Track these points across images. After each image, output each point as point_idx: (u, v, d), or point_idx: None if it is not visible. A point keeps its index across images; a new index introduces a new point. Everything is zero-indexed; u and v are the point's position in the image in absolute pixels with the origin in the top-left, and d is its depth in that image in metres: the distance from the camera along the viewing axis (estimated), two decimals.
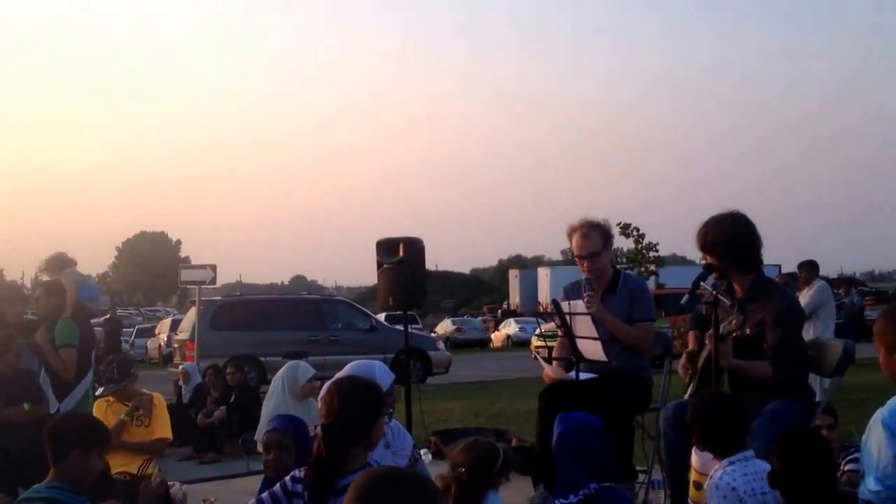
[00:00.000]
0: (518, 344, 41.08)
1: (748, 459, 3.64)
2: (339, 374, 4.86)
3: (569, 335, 5.29)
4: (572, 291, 6.19)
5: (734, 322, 4.85)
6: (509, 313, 58.12)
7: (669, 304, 21.92)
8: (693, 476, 3.86)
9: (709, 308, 4.65)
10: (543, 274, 61.32)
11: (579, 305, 5.35)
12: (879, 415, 2.89)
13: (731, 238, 5.12)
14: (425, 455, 8.01)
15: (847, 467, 5.81)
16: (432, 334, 40.21)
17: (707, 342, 4.90)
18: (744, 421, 3.85)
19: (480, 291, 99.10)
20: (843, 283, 25.31)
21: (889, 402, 2.96)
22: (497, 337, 46.42)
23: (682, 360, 5.22)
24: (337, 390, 3.41)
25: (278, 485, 3.39)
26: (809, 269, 11.42)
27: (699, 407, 3.83)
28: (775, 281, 6.06)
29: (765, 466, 3.58)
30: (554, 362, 5.89)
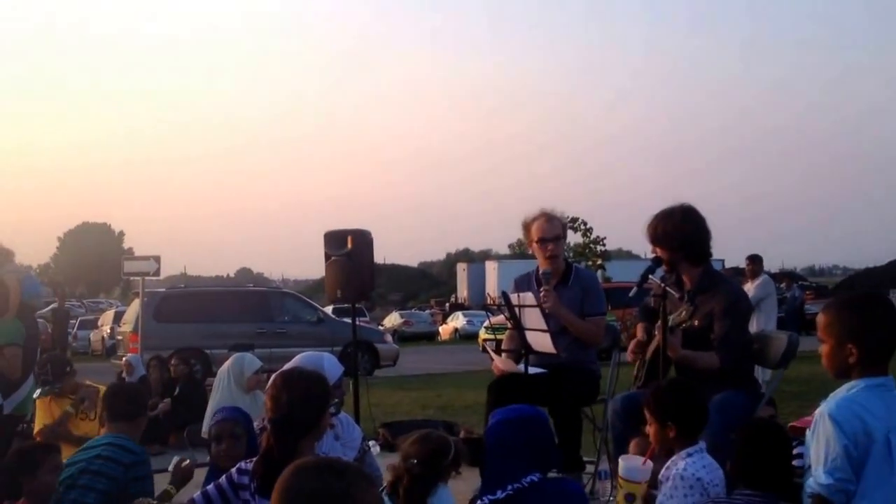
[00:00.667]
0: (465, 337, 41.16)
1: (703, 451, 3.66)
2: (286, 366, 4.83)
3: (518, 327, 5.30)
4: (523, 283, 6.23)
5: (683, 314, 4.88)
6: (457, 307, 58.22)
7: (616, 298, 22.08)
8: (624, 487, 3.62)
9: (657, 301, 4.67)
10: (491, 267, 61.42)
11: (528, 297, 5.36)
12: (826, 408, 2.91)
13: (682, 230, 5.15)
14: (374, 447, 8.01)
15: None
16: (380, 327, 40.18)
17: (656, 334, 4.94)
18: (704, 409, 3.84)
19: (428, 285, 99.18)
20: (785, 277, 25.68)
21: (833, 394, 2.99)
22: (445, 330, 46.50)
23: (631, 346, 5.24)
24: (283, 383, 3.37)
25: (224, 477, 3.35)
26: (756, 262, 11.66)
27: (662, 391, 3.80)
28: (723, 274, 6.13)
29: (712, 460, 3.62)
30: (503, 354, 5.91)
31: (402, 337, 40.39)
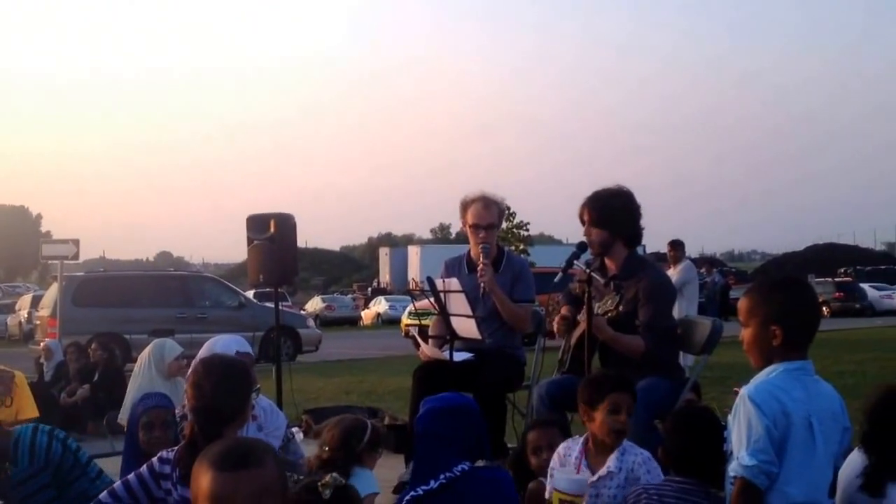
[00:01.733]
0: (388, 322, 41.11)
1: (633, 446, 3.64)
2: (201, 354, 4.77)
3: (443, 313, 5.29)
4: (454, 266, 6.21)
5: (609, 302, 4.91)
6: (379, 291, 58.13)
7: (539, 283, 22.30)
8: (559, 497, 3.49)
9: (582, 286, 4.69)
10: (414, 252, 61.52)
11: (454, 283, 5.36)
12: (746, 391, 2.95)
13: (624, 211, 5.19)
14: (297, 433, 7.96)
15: None
16: (302, 312, 39.92)
17: (580, 321, 4.98)
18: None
19: (350, 269, 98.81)
20: (706, 263, 26.11)
21: (754, 379, 3.04)
22: (367, 315, 46.40)
23: (557, 320, 5.25)
24: (205, 371, 3.32)
25: (145, 466, 3.29)
26: (677, 248, 11.87)
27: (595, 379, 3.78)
28: (648, 259, 6.19)
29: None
30: (430, 341, 5.90)
31: (324, 322, 40.22)
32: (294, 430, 7.93)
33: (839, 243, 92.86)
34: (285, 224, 8.13)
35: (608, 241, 5.16)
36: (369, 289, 62.73)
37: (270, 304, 9.07)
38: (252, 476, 1.99)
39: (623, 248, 5.21)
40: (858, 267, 60.92)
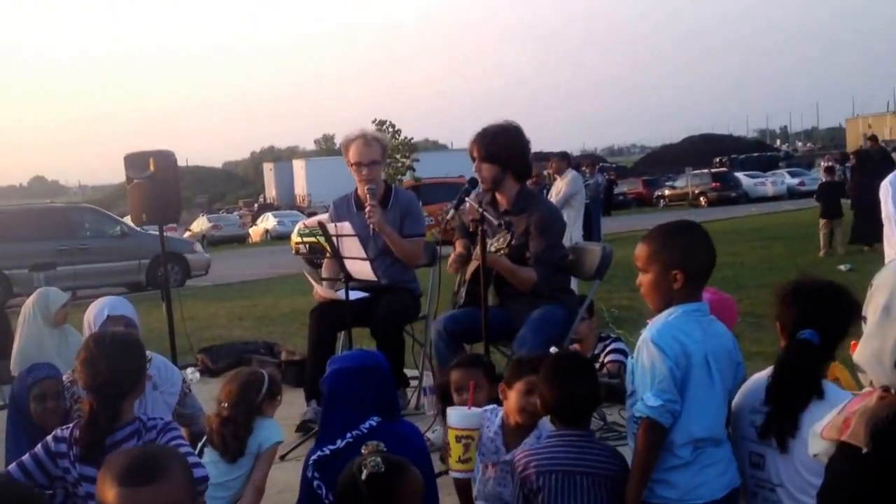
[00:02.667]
0: (277, 238, 40.80)
1: None
2: (88, 318, 4.69)
3: (336, 256, 5.29)
4: (342, 206, 6.20)
5: (501, 240, 4.96)
6: (266, 207, 57.55)
7: (428, 195, 22.33)
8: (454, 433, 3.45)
9: (475, 224, 4.70)
10: (299, 166, 60.86)
11: (346, 227, 5.34)
12: (648, 334, 3.03)
13: (515, 146, 5.25)
14: (193, 373, 7.92)
15: (607, 359, 6.16)
16: (187, 232, 39.23)
17: (474, 258, 5.03)
18: None
19: (235, 185, 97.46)
20: (588, 163, 26.46)
21: (654, 321, 3.11)
22: (255, 232, 45.94)
23: (451, 258, 5.28)
24: (98, 349, 3.25)
25: (39, 446, 3.22)
26: (561, 159, 12.06)
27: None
28: (538, 193, 6.28)
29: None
30: (323, 283, 5.91)
31: (211, 241, 39.72)
32: (189, 370, 7.93)
33: (714, 133, 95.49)
34: (165, 161, 7.92)
35: (498, 176, 5.21)
36: (255, 205, 62.06)
37: (154, 231, 8.84)
38: (157, 491, 1.99)
39: (514, 183, 5.26)
40: (733, 156, 62.74)
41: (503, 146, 5.22)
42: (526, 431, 3.61)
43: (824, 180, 18.59)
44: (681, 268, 3.06)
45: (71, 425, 3.27)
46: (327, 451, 3.37)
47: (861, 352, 2.21)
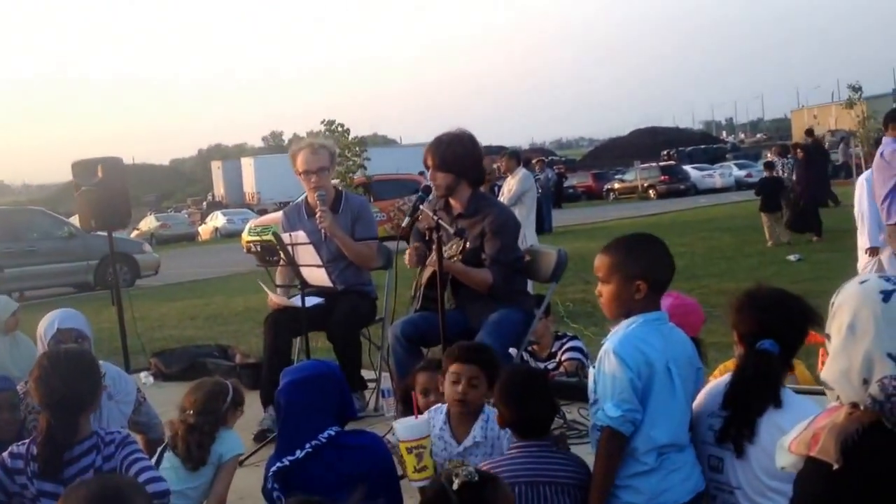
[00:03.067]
0: (227, 236, 40.53)
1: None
2: (41, 331, 4.61)
3: (292, 264, 5.28)
4: (293, 214, 6.21)
5: (455, 247, 4.98)
6: (215, 205, 57.09)
7: (379, 191, 22.33)
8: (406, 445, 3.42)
9: (430, 233, 4.71)
10: (247, 164, 60.41)
11: (301, 236, 5.33)
12: (610, 344, 3.05)
13: (471, 154, 5.32)
14: (146, 377, 7.85)
15: (564, 356, 6.19)
16: (135, 231, 38.78)
17: (429, 264, 5.05)
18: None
19: (182, 183, 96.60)
20: (538, 160, 26.64)
21: (613, 331, 3.14)
22: (205, 230, 45.58)
23: (409, 253, 5.31)
24: (52, 367, 3.20)
25: None
26: (510, 158, 12.08)
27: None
28: (490, 196, 6.33)
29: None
30: (277, 290, 5.89)
31: (160, 240, 39.38)
32: (143, 374, 7.86)
33: (660, 126, 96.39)
34: (113, 168, 7.95)
35: (453, 183, 5.27)
36: (204, 203, 61.47)
37: (102, 232, 8.77)
38: None
39: (467, 188, 5.33)
40: (680, 148, 63.34)
41: (457, 155, 5.28)
42: (471, 417, 3.64)
43: (765, 175, 19.11)
44: (644, 278, 3.10)
45: (27, 441, 3.23)
46: (286, 462, 3.37)
47: (828, 371, 2.23)
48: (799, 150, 19.36)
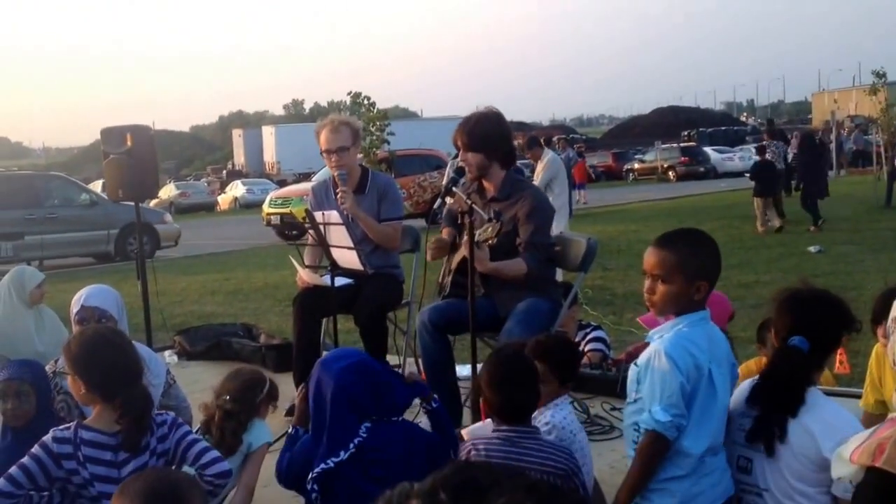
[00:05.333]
0: (246, 206, 40.53)
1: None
2: (73, 311, 4.62)
3: (323, 244, 5.25)
4: (320, 191, 6.15)
5: (489, 230, 4.96)
6: (235, 174, 57.05)
7: (401, 167, 22.20)
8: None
9: (463, 217, 4.67)
10: (268, 133, 60.29)
11: (334, 216, 5.30)
12: (663, 347, 3.00)
13: (499, 132, 5.25)
14: (171, 356, 7.88)
15: (587, 347, 6.16)
16: (155, 199, 38.77)
17: (460, 245, 5.01)
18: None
19: (202, 151, 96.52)
20: (561, 140, 26.50)
21: (657, 331, 3.11)
22: (224, 200, 45.57)
23: (431, 243, 5.24)
24: (88, 353, 3.21)
25: (38, 447, 3.18)
26: (535, 145, 11.84)
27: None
28: (524, 179, 6.25)
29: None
30: (307, 269, 5.87)
31: (179, 209, 39.39)
32: (167, 353, 7.89)
33: (682, 106, 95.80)
34: (142, 136, 7.86)
35: (484, 164, 5.19)
36: (224, 172, 61.44)
37: (125, 202, 8.73)
38: None
39: (500, 170, 5.25)
40: (701, 129, 62.95)
41: (487, 134, 5.21)
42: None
43: (758, 160, 19.18)
44: (707, 279, 3.06)
45: (72, 425, 3.21)
46: (331, 465, 3.32)
47: None
48: (793, 136, 19.45)
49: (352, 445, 3.29)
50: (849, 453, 2.25)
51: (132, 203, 8.11)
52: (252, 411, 4.11)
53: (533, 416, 3.40)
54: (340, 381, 3.38)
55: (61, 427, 3.20)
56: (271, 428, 4.35)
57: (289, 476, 3.58)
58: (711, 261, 3.13)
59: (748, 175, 18.60)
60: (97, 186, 24.98)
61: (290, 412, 5.59)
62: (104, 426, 3.17)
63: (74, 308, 4.66)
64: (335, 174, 5.88)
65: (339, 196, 5.78)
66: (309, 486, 3.34)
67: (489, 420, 3.43)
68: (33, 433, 3.50)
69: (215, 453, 3.27)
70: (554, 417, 3.55)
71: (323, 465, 3.32)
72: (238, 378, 4.17)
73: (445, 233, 5.37)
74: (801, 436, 2.93)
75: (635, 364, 3.16)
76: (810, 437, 2.89)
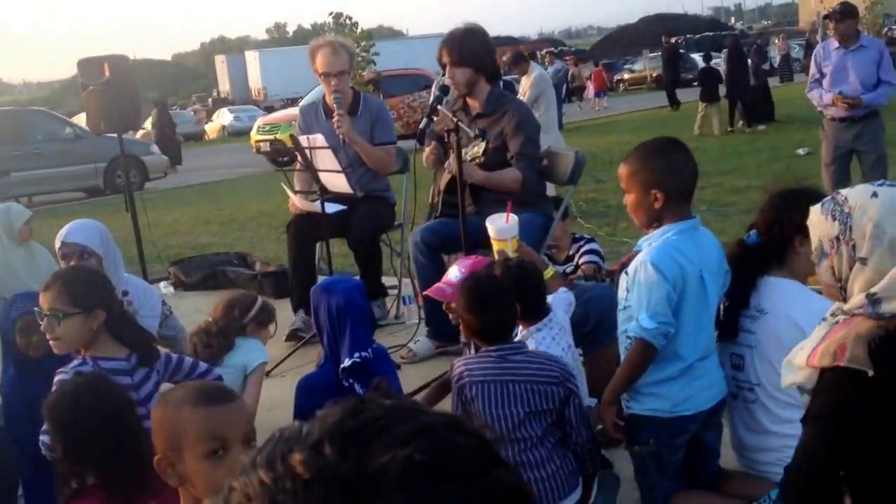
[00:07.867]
0: (234, 134, 40.14)
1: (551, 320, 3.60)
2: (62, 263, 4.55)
3: (310, 169, 5.20)
4: (310, 114, 6.08)
5: (476, 149, 4.90)
6: (221, 102, 56.48)
7: (388, 87, 21.95)
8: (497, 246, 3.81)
9: (450, 134, 4.61)
10: (252, 58, 59.54)
11: (319, 139, 5.24)
12: (648, 257, 3.03)
13: (483, 48, 5.22)
14: (166, 287, 7.85)
15: (582, 260, 6.14)
16: (141, 131, 38.52)
17: (449, 167, 4.96)
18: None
19: (186, 79, 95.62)
20: (547, 51, 26.22)
21: (645, 239, 3.13)
22: (211, 129, 45.11)
23: (427, 153, 5.22)
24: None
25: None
26: (520, 60, 11.58)
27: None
28: (508, 92, 6.17)
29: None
30: (298, 194, 5.83)
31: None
32: (163, 284, 7.85)
33: (669, 13, 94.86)
34: (120, 66, 7.72)
35: (472, 79, 5.14)
36: (210, 100, 60.82)
37: (108, 134, 8.62)
38: (240, 406, 2.10)
39: (485, 85, 5.21)
40: (688, 35, 62.25)
41: (475, 48, 5.16)
42: None
43: (703, 66, 19.55)
44: (659, 187, 3.05)
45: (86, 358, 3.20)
46: (358, 359, 3.56)
47: (867, 280, 2.18)
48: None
49: (370, 349, 3.44)
50: (802, 360, 2.24)
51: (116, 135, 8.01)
52: (232, 327, 4.13)
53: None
54: (350, 298, 3.58)
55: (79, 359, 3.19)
56: (271, 353, 4.35)
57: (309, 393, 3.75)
58: (666, 170, 3.09)
59: (695, 83, 19.12)
60: (81, 120, 24.75)
61: (290, 337, 5.61)
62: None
63: (57, 244, 4.58)
64: (330, 98, 5.79)
65: (336, 121, 5.69)
66: (342, 378, 3.58)
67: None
68: (39, 364, 3.58)
69: (205, 365, 3.39)
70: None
71: (353, 358, 3.54)
72: (223, 298, 4.20)
73: (433, 146, 5.30)
74: (787, 328, 2.98)
75: (625, 273, 3.19)
76: (796, 327, 2.93)
